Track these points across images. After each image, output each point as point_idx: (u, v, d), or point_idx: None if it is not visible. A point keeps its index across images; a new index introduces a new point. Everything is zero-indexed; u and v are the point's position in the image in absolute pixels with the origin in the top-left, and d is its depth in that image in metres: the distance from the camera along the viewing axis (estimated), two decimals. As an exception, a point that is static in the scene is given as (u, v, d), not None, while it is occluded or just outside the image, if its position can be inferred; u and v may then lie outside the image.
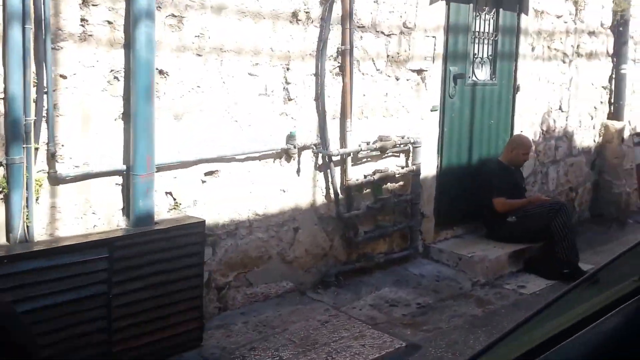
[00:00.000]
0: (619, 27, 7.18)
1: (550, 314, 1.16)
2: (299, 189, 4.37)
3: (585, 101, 6.96)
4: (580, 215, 7.16)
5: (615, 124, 7.21)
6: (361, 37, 4.59)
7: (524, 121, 6.07)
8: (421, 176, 5.12)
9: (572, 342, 1.01)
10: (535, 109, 6.24)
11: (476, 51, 5.53)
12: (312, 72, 4.33)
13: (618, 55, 7.23)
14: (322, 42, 4.30)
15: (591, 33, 6.88)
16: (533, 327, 1.14)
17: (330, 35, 4.39)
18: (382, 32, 4.73)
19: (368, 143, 4.65)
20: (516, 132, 6.01)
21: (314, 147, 4.38)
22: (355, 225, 4.71)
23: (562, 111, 6.64)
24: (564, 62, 6.56)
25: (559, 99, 6.57)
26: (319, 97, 4.35)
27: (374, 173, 4.74)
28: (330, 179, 4.49)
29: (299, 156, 4.33)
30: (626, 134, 7.68)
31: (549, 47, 6.32)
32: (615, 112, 7.28)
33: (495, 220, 5.36)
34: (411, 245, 5.07)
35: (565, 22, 6.48)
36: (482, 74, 5.64)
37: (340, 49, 4.44)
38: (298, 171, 4.35)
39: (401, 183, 5.02)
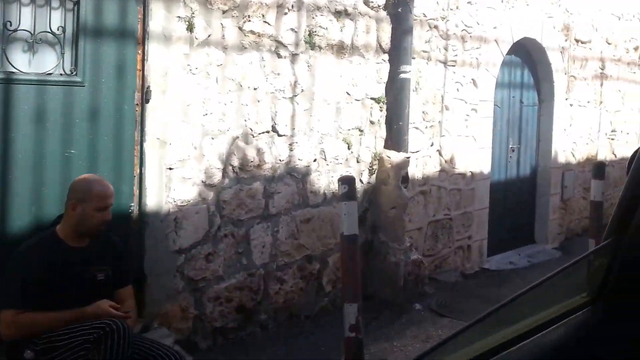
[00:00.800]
0: (398, 8, 4.71)
1: (495, 324, 1.08)
2: None
3: (336, 119, 4.45)
4: (337, 297, 4.60)
5: (392, 156, 4.70)
6: None
7: (169, 152, 3.50)
8: None
9: (515, 352, 0.98)
10: (209, 129, 3.69)
11: (14, 19, 2.96)
12: None
13: (397, 51, 4.75)
14: None
15: (340, 13, 4.40)
16: (477, 333, 1.07)
17: None
18: None
19: None
20: (151, 167, 3.45)
21: None
22: None
23: (280, 135, 4.10)
24: (279, 55, 4.04)
25: (271, 115, 4.04)
26: None
27: None
28: None
29: None
30: (419, 170, 5.18)
31: (240, 28, 3.81)
32: (395, 138, 4.78)
33: (9, 352, 2.74)
34: None
35: (276, -9, 3.99)
36: (36, 63, 3.06)
37: None
38: None
39: None
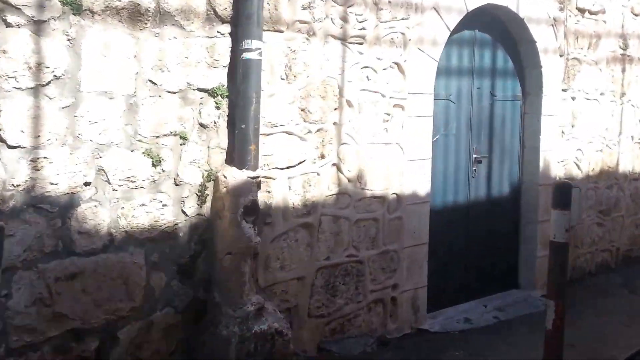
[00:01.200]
0: (241, -43, 3.15)
1: None
2: None
3: (129, 121, 2.94)
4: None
5: (228, 176, 3.14)
6: None
7: None
8: None
9: None
10: None
11: None
12: None
13: (239, 22, 3.20)
14: None
15: (130, -39, 2.90)
16: None
17: None
18: None
19: None
20: None
21: None
22: None
23: (11, 146, 2.62)
24: (7, 24, 2.59)
25: (-12, 116, 2.59)
26: None
27: None
28: None
29: None
30: (298, 194, 3.60)
31: None
32: (238, 148, 3.21)
33: None
34: None
35: None
36: None
37: None
38: None
39: None
